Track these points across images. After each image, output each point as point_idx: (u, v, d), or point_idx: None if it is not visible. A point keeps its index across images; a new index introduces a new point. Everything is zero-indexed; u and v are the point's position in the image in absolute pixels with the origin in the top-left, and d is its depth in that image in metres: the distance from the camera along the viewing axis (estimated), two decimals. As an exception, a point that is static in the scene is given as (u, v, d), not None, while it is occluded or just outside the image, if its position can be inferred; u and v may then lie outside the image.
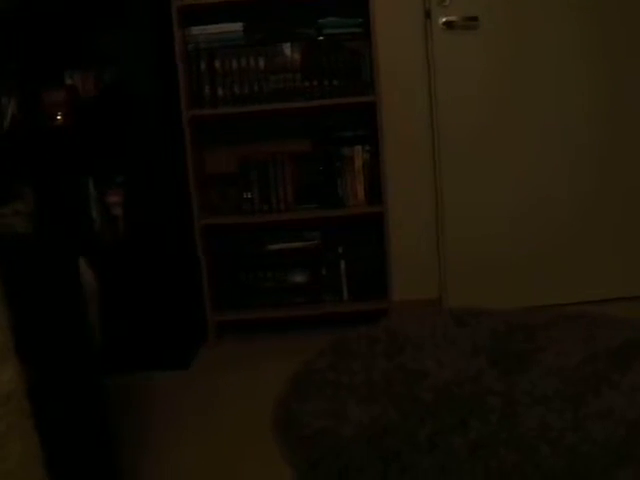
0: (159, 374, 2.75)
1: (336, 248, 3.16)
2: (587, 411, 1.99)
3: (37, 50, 2.96)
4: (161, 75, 2.99)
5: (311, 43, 3.00)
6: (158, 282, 2.86)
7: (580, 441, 1.84)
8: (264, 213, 3.12)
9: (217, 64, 3.02)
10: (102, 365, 1.49)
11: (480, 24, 3.01)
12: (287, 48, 3.00)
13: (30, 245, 0.89)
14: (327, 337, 2.79)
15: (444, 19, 3.02)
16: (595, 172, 3.14)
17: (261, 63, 3.01)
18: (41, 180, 3.04)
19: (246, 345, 3.11)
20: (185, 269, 3.02)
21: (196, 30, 3.03)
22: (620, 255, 3.21)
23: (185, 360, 2.93)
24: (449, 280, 3.23)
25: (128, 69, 2.94)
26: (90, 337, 1.41)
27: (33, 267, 0.93)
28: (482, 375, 2.31)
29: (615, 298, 3.15)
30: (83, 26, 2.91)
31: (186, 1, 2.98)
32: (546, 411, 2.03)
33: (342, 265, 3.16)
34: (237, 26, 3.03)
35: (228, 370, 2.86)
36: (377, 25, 2.91)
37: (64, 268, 1.45)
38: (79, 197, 3.09)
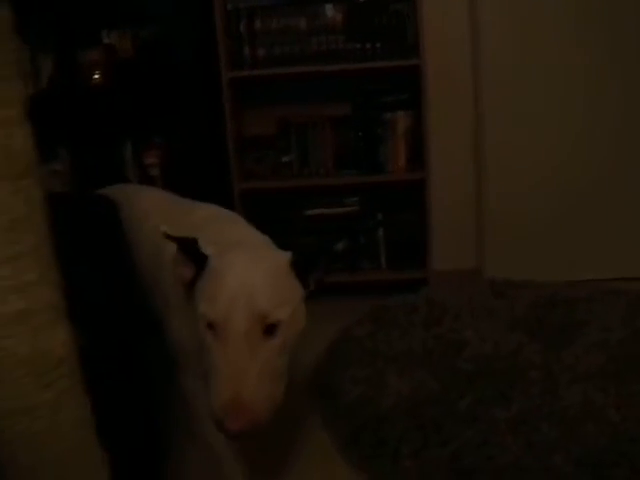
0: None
1: (375, 215, 3.12)
2: (631, 389, 1.97)
3: (74, 9, 2.92)
4: (200, 35, 2.94)
5: (354, 4, 2.92)
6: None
7: (624, 419, 1.82)
8: (302, 177, 3.08)
9: (257, 24, 2.96)
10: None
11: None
12: (329, 9, 2.93)
13: (67, 205, 0.86)
14: (364, 304, 2.80)
15: (491, -20, 2.92)
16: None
17: (302, 23, 2.94)
18: (78, 140, 3.03)
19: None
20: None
21: (236, -11, 2.96)
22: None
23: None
24: (488, 250, 3.17)
25: (166, 28, 2.90)
26: (134, 299, 1.40)
27: (71, 227, 0.91)
28: (522, 348, 2.29)
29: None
30: (120, -16, 2.87)
31: (226, -41, 2.91)
32: (589, 387, 2.00)
33: (380, 232, 3.12)
34: (278, -16, 2.96)
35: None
36: (422, -14, 2.82)
37: (104, 228, 1.43)
38: (115, 158, 3.08)
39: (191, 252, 1.28)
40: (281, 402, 1.21)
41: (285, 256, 1.29)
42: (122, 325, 1.30)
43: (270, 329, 1.18)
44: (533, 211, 3.12)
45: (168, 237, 1.27)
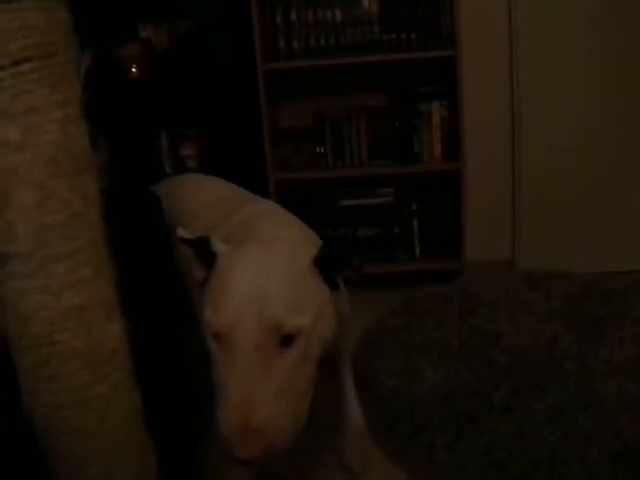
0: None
1: (410, 205, 3.12)
2: (668, 383, 1.95)
3: (111, 3, 2.96)
4: (235, 27, 2.96)
5: (390, -6, 2.91)
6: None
7: (661, 412, 1.81)
8: (337, 168, 3.09)
9: (292, 16, 2.97)
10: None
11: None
12: (365, 0, 2.93)
13: (108, 198, 0.89)
14: (398, 295, 2.81)
15: (529, -30, 2.89)
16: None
17: (338, 15, 2.94)
18: (116, 132, 3.08)
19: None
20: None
21: (272, -19, 2.97)
22: None
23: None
24: (523, 242, 3.16)
25: (202, 21, 2.92)
26: (179, 292, 1.43)
27: (114, 220, 0.93)
28: (558, 340, 2.29)
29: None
30: (156, -22, 2.89)
31: (262, -50, 2.92)
32: (624, 379, 2.00)
33: (415, 223, 3.12)
34: (314, -24, 2.96)
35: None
36: (458, -24, 2.80)
37: (146, 221, 1.46)
38: (153, 150, 3.12)
39: (202, 252, 1.15)
40: (306, 420, 1.06)
41: (307, 253, 1.12)
42: (169, 320, 1.33)
43: (287, 340, 1.01)
44: (568, 202, 3.09)
45: (183, 241, 1.16)
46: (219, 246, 1.14)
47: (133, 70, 3.01)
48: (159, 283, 1.26)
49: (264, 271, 1.05)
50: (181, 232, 1.16)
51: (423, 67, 3.01)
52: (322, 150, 3.09)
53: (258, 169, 3.04)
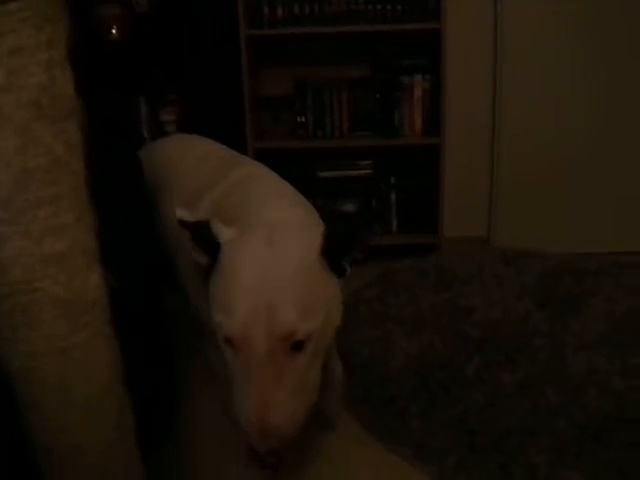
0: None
1: (388, 179, 3.12)
2: (636, 359, 1.99)
3: (91, -38, 2.89)
4: (218, -9, 2.92)
5: (375, -36, 2.89)
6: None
7: (628, 388, 1.85)
8: (317, 139, 3.08)
9: (277, -18, 2.93)
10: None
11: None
12: (350, -31, 2.90)
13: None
14: (374, 268, 2.82)
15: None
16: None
17: (323, -17, 2.91)
18: (94, 95, 3.02)
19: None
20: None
21: (256, -55, 2.93)
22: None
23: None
24: (499, 220, 3.19)
25: (185, -16, 2.87)
26: (155, 247, 1.41)
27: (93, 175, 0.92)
28: (529, 316, 2.32)
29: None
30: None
31: None
32: (594, 355, 2.03)
33: (393, 196, 3.13)
34: (299, -58, 2.92)
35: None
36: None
37: (124, 173, 1.44)
38: (131, 114, 3.08)
39: (203, 236, 1.11)
40: (314, 410, 1.10)
41: (314, 242, 1.08)
42: (148, 275, 1.32)
43: (298, 345, 1.02)
44: (546, 182, 3.12)
45: (182, 224, 1.11)
46: (221, 232, 1.10)
47: (113, 32, 2.96)
48: (139, 238, 1.25)
49: (273, 272, 1.02)
50: (180, 213, 1.11)
51: (407, 39, 3.00)
52: (302, 120, 3.07)
53: (237, 137, 3.01)
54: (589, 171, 3.08)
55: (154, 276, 1.37)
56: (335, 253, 1.09)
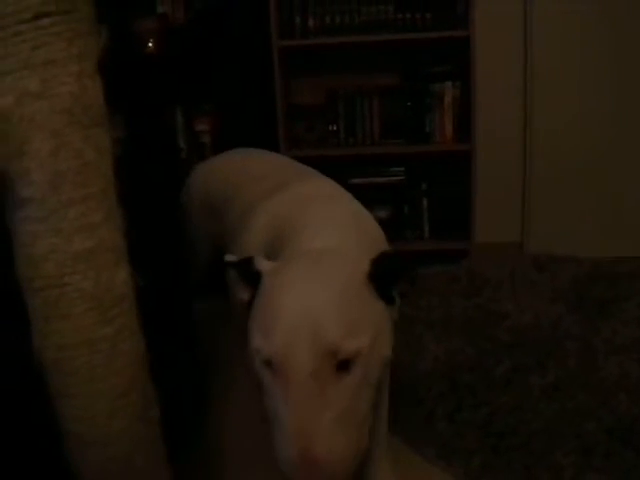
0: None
1: (420, 185, 3.14)
2: (670, 364, 1.98)
3: (128, -22, 2.97)
4: (251, 4, 2.97)
5: (404, -26, 2.92)
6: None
7: (659, 392, 1.84)
8: (349, 146, 3.12)
9: (309, -7, 2.99)
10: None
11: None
12: (380, -21, 2.94)
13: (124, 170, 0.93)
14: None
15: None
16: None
17: (353, -7, 2.95)
18: (132, 107, 3.10)
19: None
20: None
21: (288, -43, 2.98)
22: None
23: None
24: (532, 225, 3.18)
25: (218, -3, 2.93)
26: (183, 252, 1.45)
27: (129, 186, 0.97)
28: (561, 320, 2.31)
29: None
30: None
31: None
32: (625, 360, 2.02)
33: (425, 202, 3.15)
34: (330, -46, 2.97)
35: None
36: (473, -44, 2.80)
37: (160, 186, 1.49)
38: (167, 125, 3.15)
39: (247, 272, 1.06)
40: (366, 446, 0.99)
41: (360, 267, 1.02)
42: (175, 275, 1.36)
43: (344, 365, 0.93)
44: (578, 187, 3.10)
45: (229, 265, 1.10)
46: (263, 264, 1.05)
47: (150, 45, 3.04)
48: (166, 239, 1.29)
49: (315, 291, 0.96)
50: (228, 258, 1.09)
51: (437, 47, 3.02)
52: (334, 128, 3.12)
53: (271, 145, 3.06)
54: (622, 175, 3.06)
55: (180, 277, 1.42)
56: (383, 280, 1.02)
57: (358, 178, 3.15)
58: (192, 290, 1.54)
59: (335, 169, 3.13)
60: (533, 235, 3.19)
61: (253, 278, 1.05)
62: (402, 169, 3.13)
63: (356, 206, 1.38)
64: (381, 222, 3.19)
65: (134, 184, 0.90)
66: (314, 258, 1.04)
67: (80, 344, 0.84)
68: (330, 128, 3.13)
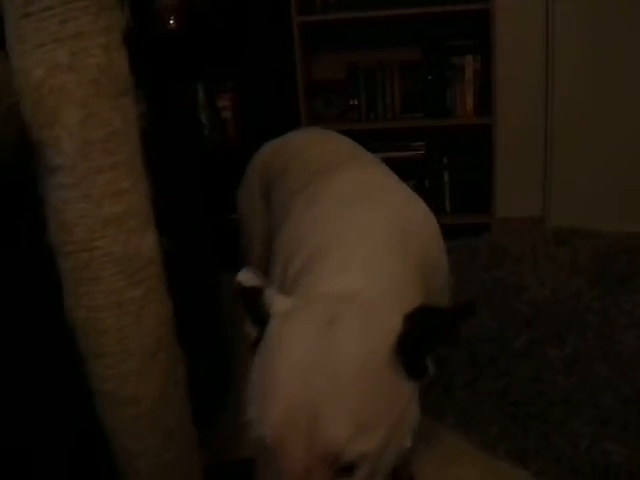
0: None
1: (441, 159, 3.15)
2: (688, 337, 1.99)
3: (149, -46, 2.98)
4: (272, -21, 2.98)
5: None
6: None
7: (678, 364, 1.85)
8: (370, 121, 3.13)
9: (328, -32, 2.98)
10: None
11: None
12: (400, -49, 2.92)
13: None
14: (427, 248, 2.85)
15: None
16: None
17: (373, -33, 2.94)
18: (153, 84, 3.12)
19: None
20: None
21: None
22: None
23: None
24: (553, 199, 3.17)
25: (239, -27, 2.94)
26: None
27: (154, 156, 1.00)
28: (581, 294, 2.32)
29: None
30: None
31: None
32: (644, 332, 2.03)
33: (445, 177, 3.15)
34: None
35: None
36: None
37: (183, 159, 1.51)
38: (189, 102, 3.17)
39: (256, 307, 0.86)
40: None
41: (389, 332, 0.80)
42: (201, 241, 1.39)
43: (347, 468, 0.75)
44: (600, 161, 3.08)
45: (235, 289, 0.89)
46: (276, 301, 0.85)
47: (171, 22, 3.06)
48: (193, 205, 1.33)
49: (327, 365, 0.76)
50: (241, 276, 0.88)
51: (457, 20, 3.01)
52: (355, 103, 3.13)
53: (291, 120, 3.08)
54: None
55: (206, 244, 1.45)
56: (416, 350, 0.80)
57: (379, 153, 3.08)
58: (217, 258, 1.57)
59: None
60: (554, 209, 3.18)
61: (261, 316, 0.85)
62: (423, 143, 3.14)
63: (407, 210, 1.13)
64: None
65: (158, 155, 0.93)
66: (328, 314, 0.81)
67: (109, 306, 0.88)
68: (351, 103, 3.14)
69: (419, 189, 3.16)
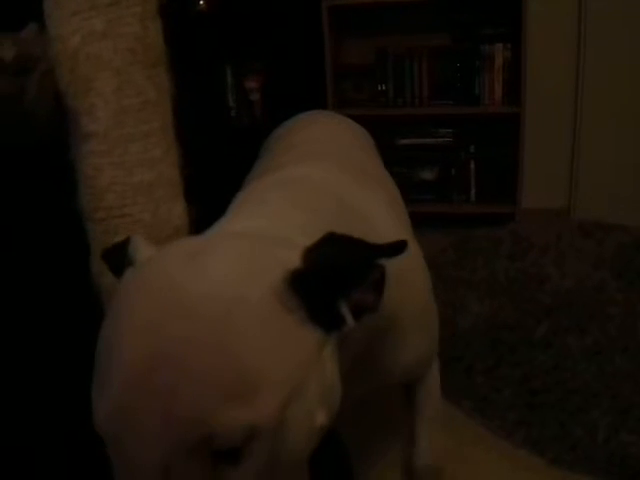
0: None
1: (468, 147, 3.13)
2: None
3: None
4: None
5: None
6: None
7: (700, 358, 1.84)
8: (397, 107, 3.12)
9: (359, -49, 2.97)
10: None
11: None
12: (432, -64, 2.91)
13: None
14: (451, 236, 2.85)
15: None
16: None
17: (405, -48, 2.93)
18: (182, 65, 3.14)
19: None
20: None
21: None
22: None
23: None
24: (580, 191, 3.14)
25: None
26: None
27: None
28: (604, 286, 2.31)
29: None
30: None
31: None
32: (667, 326, 2.02)
33: (472, 165, 3.14)
34: None
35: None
36: None
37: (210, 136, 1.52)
38: (217, 83, 3.19)
39: (118, 261, 0.67)
40: None
41: (278, 264, 0.60)
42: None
43: (230, 454, 0.53)
44: (629, 153, 3.05)
45: (102, 257, 0.72)
46: (139, 251, 0.65)
47: (201, 3, 3.07)
48: (220, 179, 1.34)
49: (183, 307, 0.55)
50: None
51: (488, 8, 2.98)
52: (383, 88, 3.12)
53: (319, 104, 3.08)
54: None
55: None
56: (323, 290, 0.60)
57: (406, 139, 3.16)
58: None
59: (383, 129, 3.17)
60: (580, 202, 3.15)
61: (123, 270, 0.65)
62: (450, 131, 3.12)
63: (358, 201, 0.88)
64: (427, 184, 3.23)
65: (189, 129, 0.94)
66: (197, 248, 0.61)
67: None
68: (379, 88, 3.12)
69: (445, 177, 3.16)
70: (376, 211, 0.90)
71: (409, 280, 0.90)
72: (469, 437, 1.60)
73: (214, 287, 0.56)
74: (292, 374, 0.57)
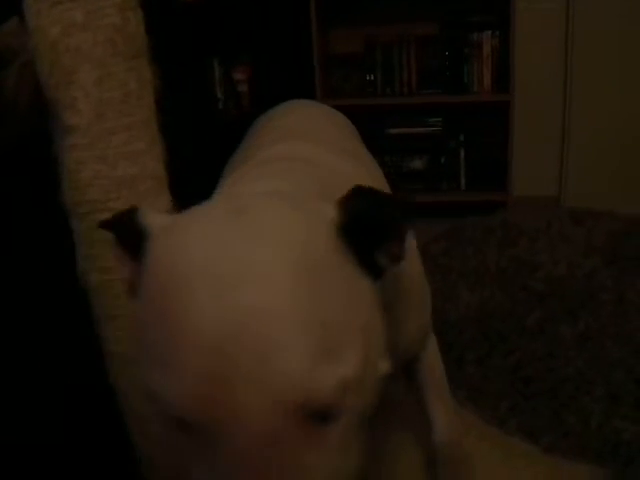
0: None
1: (457, 136, 3.13)
2: None
3: None
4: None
5: None
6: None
7: (691, 344, 1.84)
8: (386, 96, 3.11)
9: (346, -60, 2.96)
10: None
11: None
12: None
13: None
14: (441, 225, 2.85)
15: None
16: None
17: (392, -60, 2.92)
18: (168, 57, 3.12)
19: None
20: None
21: None
22: None
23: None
24: (570, 179, 3.15)
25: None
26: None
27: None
28: (595, 273, 2.31)
29: None
30: None
31: None
32: (658, 312, 2.02)
33: (462, 153, 3.13)
34: None
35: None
36: None
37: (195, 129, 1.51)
38: (205, 75, 3.16)
39: (127, 233, 0.63)
40: None
41: (322, 213, 0.59)
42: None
43: (321, 414, 0.52)
44: (618, 141, 3.05)
45: (102, 227, 0.69)
46: (153, 219, 0.61)
47: (186, -8, 3.04)
48: (206, 172, 1.32)
49: (250, 271, 0.51)
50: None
51: (476, -4, 2.98)
52: (372, 77, 3.11)
53: (307, 95, 3.07)
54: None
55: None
56: (363, 235, 0.59)
57: (395, 128, 3.15)
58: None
59: (372, 119, 3.16)
60: (570, 189, 3.16)
61: (137, 242, 0.61)
62: (439, 119, 3.12)
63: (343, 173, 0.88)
64: (417, 173, 3.22)
65: (174, 122, 0.93)
66: (236, 207, 0.57)
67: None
68: (367, 77, 3.12)
69: (435, 166, 3.15)
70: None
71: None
72: (462, 426, 1.60)
73: (277, 248, 0.53)
74: (366, 322, 0.57)
